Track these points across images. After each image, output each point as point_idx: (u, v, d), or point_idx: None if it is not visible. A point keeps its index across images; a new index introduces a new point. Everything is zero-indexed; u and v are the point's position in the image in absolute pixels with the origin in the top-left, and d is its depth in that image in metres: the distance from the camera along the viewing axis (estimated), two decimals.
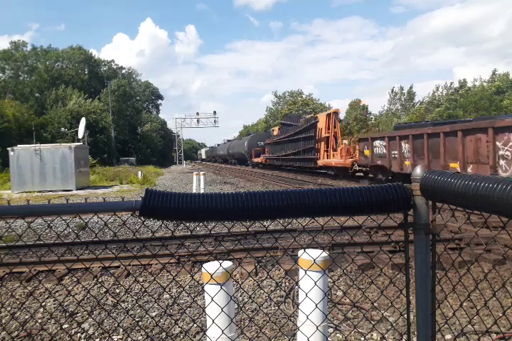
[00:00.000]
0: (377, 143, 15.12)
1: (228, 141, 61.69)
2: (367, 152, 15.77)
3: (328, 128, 20.01)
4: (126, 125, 57.54)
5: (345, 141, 18.50)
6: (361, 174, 17.72)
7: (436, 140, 11.29)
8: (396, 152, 13.60)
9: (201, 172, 14.10)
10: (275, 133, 31.77)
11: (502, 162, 9.23)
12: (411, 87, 57.72)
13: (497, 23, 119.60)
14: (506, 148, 9.02)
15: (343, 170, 18.64)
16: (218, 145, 69.80)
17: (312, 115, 25.26)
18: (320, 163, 20.74)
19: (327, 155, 20.09)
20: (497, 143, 9.24)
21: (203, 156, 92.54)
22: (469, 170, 10.23)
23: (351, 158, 17.29)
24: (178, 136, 72.36)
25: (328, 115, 20.26)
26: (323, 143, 20.56)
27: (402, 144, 13.23)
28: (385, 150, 14.42)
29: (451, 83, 54.78)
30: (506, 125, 8.96)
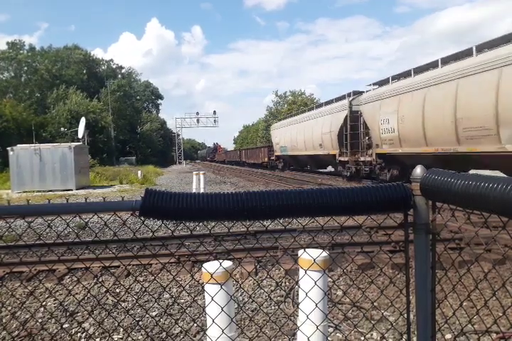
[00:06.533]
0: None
1: (203, 148, 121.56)
2: None
3: (218, 149, 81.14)
4: (126, 125, 57.46)
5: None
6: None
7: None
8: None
9: (201, 172, 14.09)
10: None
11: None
12: None
13: (504, 22, 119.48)
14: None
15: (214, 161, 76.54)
16: (201, 150, 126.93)
17: (217, 144, 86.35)
18: (215, 159, 75.79)
19: (216, 157, 77.10)
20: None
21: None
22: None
23: (216, 158, 77.12)
24: (178, 135, 72.37)
25: (219, 146, 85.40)
26: (218, 153, 77.08)
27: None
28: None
29: None
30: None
